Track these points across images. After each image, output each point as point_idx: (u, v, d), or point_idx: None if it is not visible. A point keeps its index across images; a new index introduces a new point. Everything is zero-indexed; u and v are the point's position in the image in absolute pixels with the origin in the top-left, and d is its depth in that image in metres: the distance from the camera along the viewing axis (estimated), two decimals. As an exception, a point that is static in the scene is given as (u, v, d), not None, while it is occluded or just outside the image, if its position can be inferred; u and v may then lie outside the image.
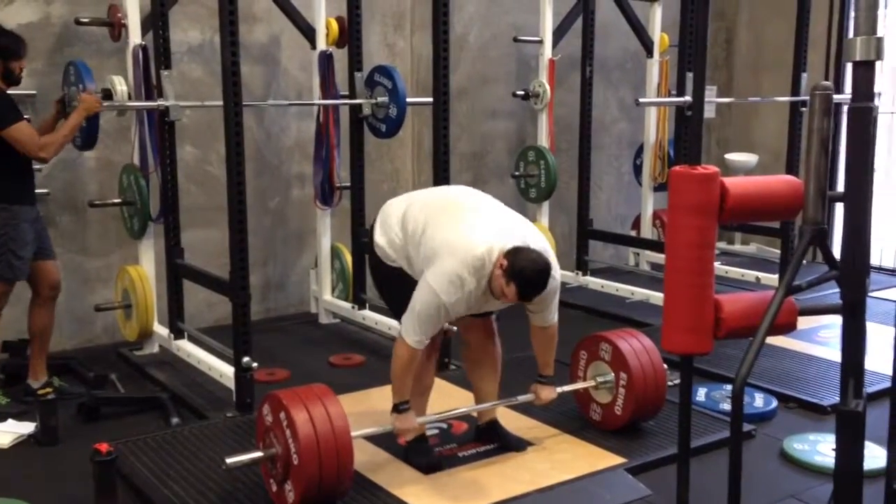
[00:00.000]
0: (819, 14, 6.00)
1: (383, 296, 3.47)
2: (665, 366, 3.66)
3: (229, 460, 2.91)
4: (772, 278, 6.02)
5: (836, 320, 5.04)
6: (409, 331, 3.04)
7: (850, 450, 2.10)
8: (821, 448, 3.56)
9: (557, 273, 3.18)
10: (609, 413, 3.66)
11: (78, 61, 4.39)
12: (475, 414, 3.59)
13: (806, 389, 4.24)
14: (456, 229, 3.07)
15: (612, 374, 3.62)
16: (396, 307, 3.25)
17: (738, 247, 7.43)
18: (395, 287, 3.24)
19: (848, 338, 2.14)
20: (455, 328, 3.51)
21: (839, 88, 6.64)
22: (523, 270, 2.93)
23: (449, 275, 2.96)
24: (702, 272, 2.27)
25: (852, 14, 6.92)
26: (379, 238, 3.27)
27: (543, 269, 2.99)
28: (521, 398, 3.50)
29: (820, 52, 6.54)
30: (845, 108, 5.56)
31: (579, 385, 3.72)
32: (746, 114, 7.79)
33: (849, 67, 6.82)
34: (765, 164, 7.21)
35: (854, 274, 2.08)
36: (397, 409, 3.16)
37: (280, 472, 2.91)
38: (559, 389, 3.53)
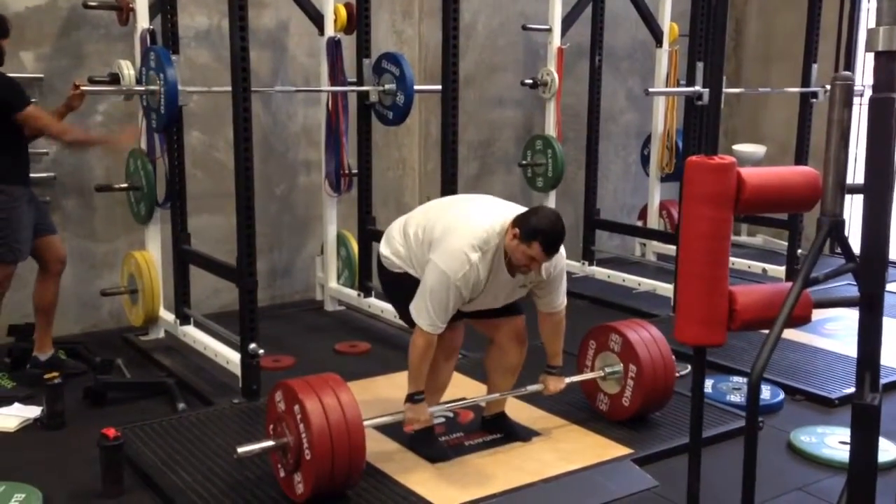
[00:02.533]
0: (830, 3, 5.95)
1: (390, 299, 3.50)
2: (673, 357, 3.65)
3: (241, 450, 2.90)
4: (779, 270, 6.00)
5: (843, 313, 5.09)
6: (423, 316, 3.04)
7: (865, 443, 2.09)
8: (828, 441, 3.55)
9: (563, 252, 3.21)
10: (616, 404, 3.65)
11: (159, 48, 4.36)
12: (483, 404, 3.59)
13: (813, 382, 4.23)
14: (456, 214, 3.15)
15: (621, 366, 3.61)
16: (401, 308, 3.28)
17: (744, 238, 7.41)
18: (401, 288, 3.24)
19: (865, 331, 2.12)
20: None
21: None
22: (538, 225, 2.96)
23: (454, 252, 2.99)
24: (716, 264, 2.24)
25: (864, 3, 6.88)
26: (384, 249, 3.32)
27: (557, 218, 3.03)
28: (531, 388, 3.49)
29: (830, 42, 6.49)
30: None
31: (588, 375, 3.71)
32: (754, 104, 7.76)
33: (859, 58, 6.76)
34: (772, 156, 7.18)
35: (873, 267, 2.06)
36: (412, 398, 3.16)
37: (291, 463, 2.91)
38: (567, 380, 3.52)
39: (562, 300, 3.32)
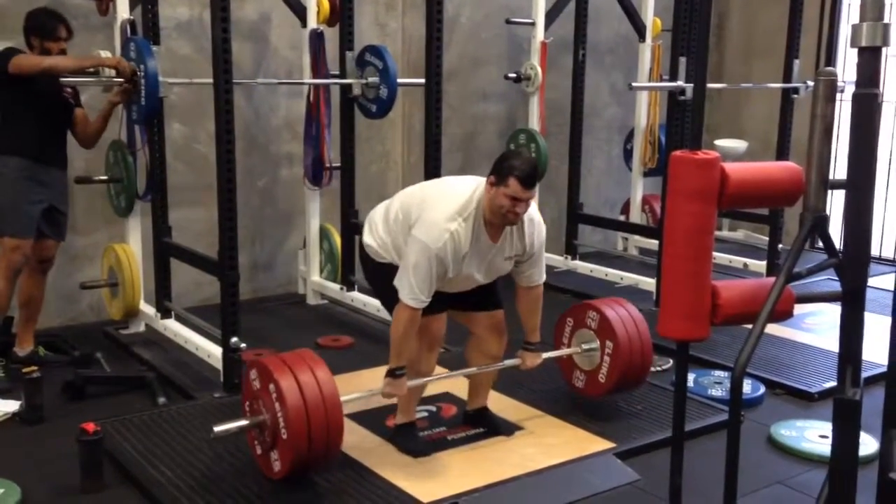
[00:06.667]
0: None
1: (374, 288, 3.50)
2: (649, 332, 3.68)
3: (217, 429, 2.90)
4: (759, 265, 6.04)
5: (823, 307, 5.11)
6: (406, 290, 3.03)
7: (846, 437, 2.10)
8: (808, 435, 3.57)
9: (540, 219, 3.26)
10: (593, 380, 3.68)
11: (139, 39, 4.32)
12: (465, 398, 3.59)
13: (793, 376, 4.26)
14: (434, 191, 3.23)
15: (598, 342, 3.64)
16: (386, 298, 3.28)
17: (725, 233, 7.45)
18: (385, 279, 3.22)
19: (846, 326, 2.13)
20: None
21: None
22: (511, 162, 3.02)
23: (434, 223, 3.02)
24: (700, 258, 2.25)
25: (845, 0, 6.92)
26: (367, 238, 3.32)
27: (528, 156, 3.10)
28: (508, 362, 3.48)
29: (811, 38, 6.54)
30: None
31: (565, 351, 3.74)
32: (736, 100, 7.78)
33: (840, 54, 6.78)
34: (753, 151, 7.21)
35: (855, 262, 2.07)
36: (393, 373, 3.14)
37: (268, 442, 2.89)
38: (545, 355, 3.54)
39: (541, 276, 3.35)
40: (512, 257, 3.22)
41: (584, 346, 3.68)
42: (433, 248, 2.99)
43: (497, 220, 3.07)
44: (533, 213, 3.19)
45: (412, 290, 3.02)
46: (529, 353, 3.46)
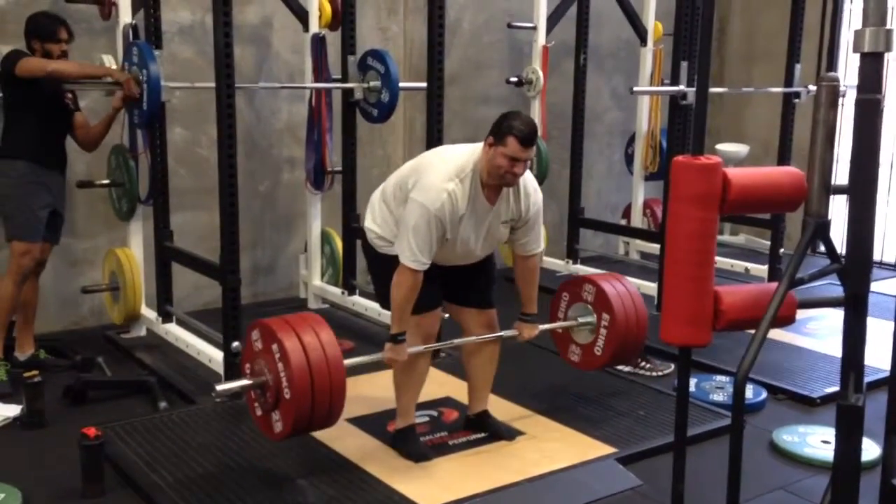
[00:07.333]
0: (812, 3, 5.97)
1: (374, 283, 3.49)
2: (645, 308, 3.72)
3: (219, 388, 2.92)
4: (761, 269, 6.03)
5: (825, 312, 5.09)
6: (406, 253, 3.04)
7: (849, 443, 2.09)
8: (810, 440, 3.57)
9: (536, 185, 3.28)
10: (588, 354, 3.71)
11: (141, 43, 4.32)
12: (466, 403, 3.58)
13: (795, 381, 4.25)
14: (429, 157, 3.25)
15: (594, 316, 3.67)
16: (386, 293, 3.25)
17: (727, 237, 7.44)
18: (384, 270, 3.22)
19: (849, 331, 2.12)
20: (447, 314, 3.49)
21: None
22: (509, 122, 3.03)
23: (431, 186, 3.03)
24: (702, 264, 2.24)
25: (847, 4, 6.91)
26: (368, 223, 3.32)
27: (527, 116, 3.11)
28: (505, 333, 3.48)
29: (812, 42, 6.53)
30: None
31: (561, 324, 3.75)
32: (737, 104, 7.78)
33: (842, 59, 6.74)
34: (755, 155, 7.21)
35: (857, 267, 2.06)
36: (394, 339, 3.15)
37: (269, 402, 2.89)
38: (542, 327, 3.55)
39: (538, 245, 3.37)
40: (508, 222, 3.23)
41: (581, 319, 3.71)
42: (432, 209, 3.00)
43: (495, 182, 3.08)
44: (529, 178, 3.22)
45: (412, 252, 3.02)
46: (526, 324, 3.47)
